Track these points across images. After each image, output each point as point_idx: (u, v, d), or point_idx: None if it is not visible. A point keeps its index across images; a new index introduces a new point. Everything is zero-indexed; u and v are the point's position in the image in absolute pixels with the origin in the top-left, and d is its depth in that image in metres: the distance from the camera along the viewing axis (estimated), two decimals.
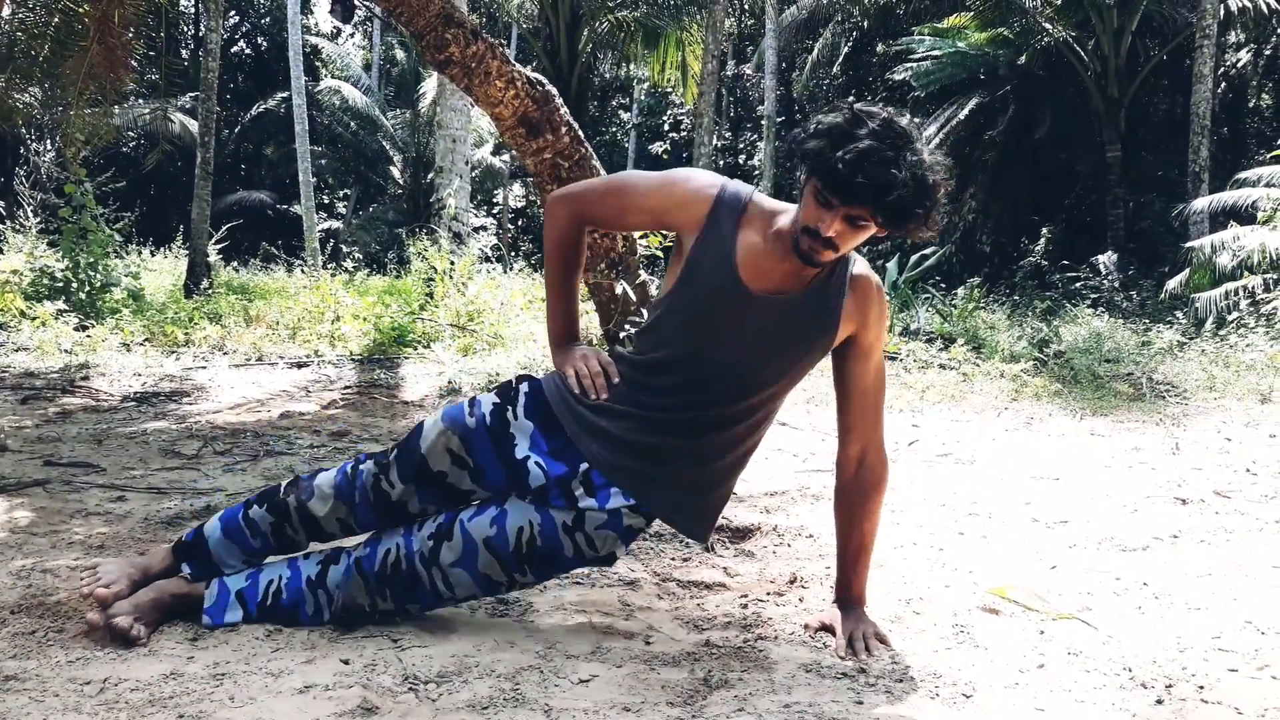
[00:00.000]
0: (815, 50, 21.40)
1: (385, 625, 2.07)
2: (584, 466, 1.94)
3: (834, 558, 2.22)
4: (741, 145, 25.56)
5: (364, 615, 2.04)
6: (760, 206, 1.98)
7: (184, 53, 26.08)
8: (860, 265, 2.05)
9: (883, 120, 1.79)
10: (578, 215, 2.11)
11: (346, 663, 1.87)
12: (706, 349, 1.95)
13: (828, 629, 2.12)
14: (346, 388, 5.68)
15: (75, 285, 8.26)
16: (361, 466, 2.08)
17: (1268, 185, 10.37)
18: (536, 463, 1.96)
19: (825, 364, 2.14)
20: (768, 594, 2.41)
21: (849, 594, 2.16)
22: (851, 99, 1.96)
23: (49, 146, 14.30)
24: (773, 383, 2.01)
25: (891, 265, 12.40)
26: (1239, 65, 18.51)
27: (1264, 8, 14.76)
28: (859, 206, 1.80)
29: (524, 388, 2.04)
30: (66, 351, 6.42)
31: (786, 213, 1.96)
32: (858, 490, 2.13)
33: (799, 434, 4.72)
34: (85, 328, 7.32)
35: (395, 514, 2.05)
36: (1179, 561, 2.75)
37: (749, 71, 25.09)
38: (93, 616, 1.93)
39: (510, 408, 2.01)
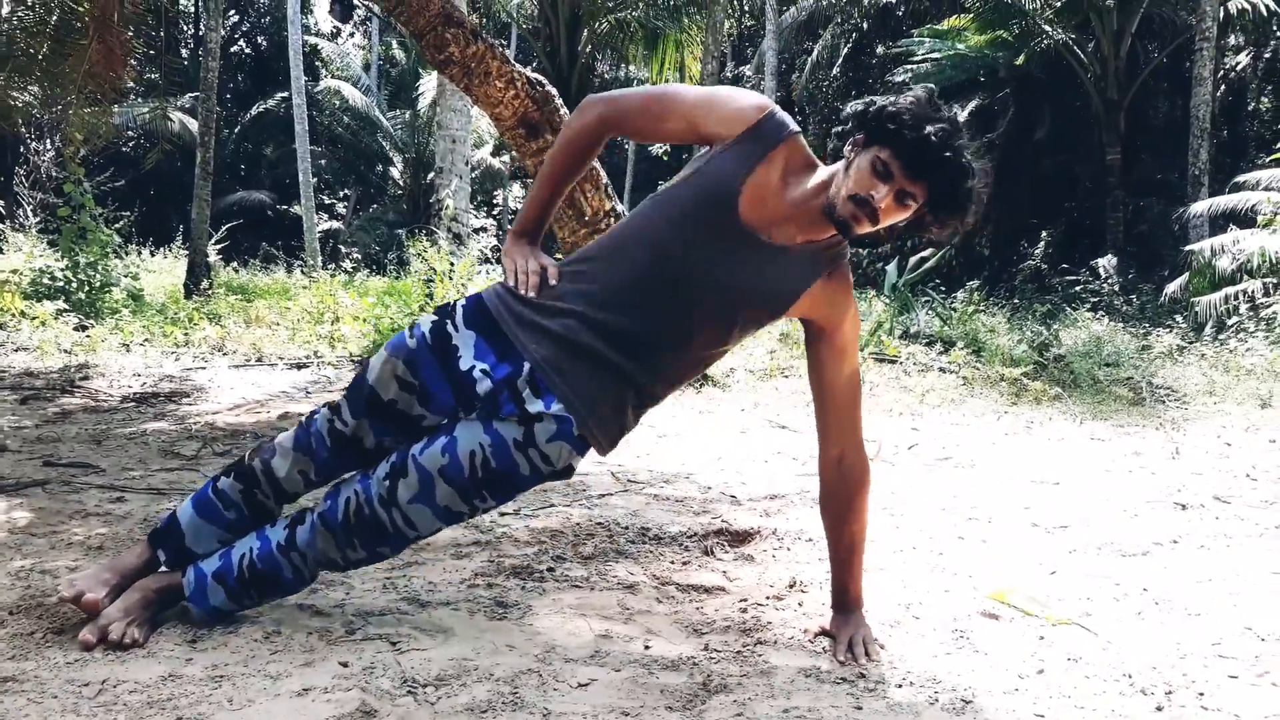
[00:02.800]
0: (815, 52, 21.38)
1: (384, 628, 2.07)
2: (527, 367, 1.90)
3: None
4: None
5: (339, 568, 2.04)
6: (797, 148, 1.94)
7: (184, 52, 26.05)
8: (845, 262, 2.05)
9: (954, 116, 1.88)
10: (609, 120, 2.03)
11: (345, 665, 1.86)
12: (674, 253, 1.91)
13: (827, 634, 2.12)
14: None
15: (74, 285, 8.24)
16: (315, 415, 2.08)
17: (1267, 189, 10.37)
18: (482, 370, 1.91)
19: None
20: (767, 598, 2.41)
21: (845, 597, 2.16)
22: (925, 89, 1.97)
23: (48, 146, 14.28)
24: (712, 325, 1.97)
25: (891, 268, 12.39)
26: (1238, 68, 18.50)
27: (1263, 10, 14.77)
28: (921, 182, 1.82)
29: (461, 301, 2.02)
30: (66, 351, 6.42)
31: (817, 170, 1.94)
32: (841, 492, 2.13)
33: (798, 437, 4.72)
34: (85, 328, 7.32)
35: (353, 453, 2.04)
36: (1179, 567, 2.75)
37: (749, 73, 25.07)
38: (86, 637, 1.91)
39: (449, 321, 1.98)
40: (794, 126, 1.95)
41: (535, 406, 1.88)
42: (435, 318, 2.00)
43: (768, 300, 2.00)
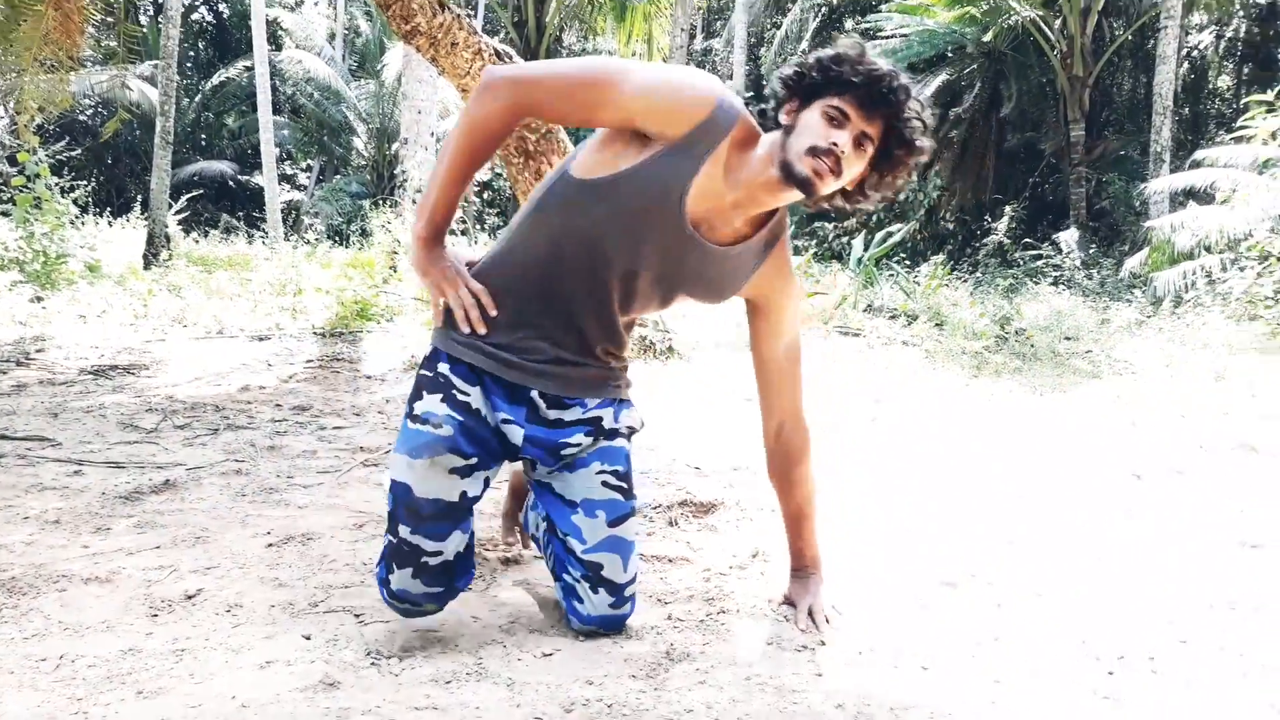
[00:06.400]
0: (784, 26, 21.34)
1: (347, 600, 2.06)
2: (535, 393, 1.95)
3: None
4: None
5: None
6: (744, 125, 1.86)
7: (143, 19, 25.53)
8: (784, 239, 2.03)
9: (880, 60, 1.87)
10: (522, 107, 1.85)
11: (308, 638, 1.86)
12: (617, 255, 1.86)
13: (789, 603, 2.15)
14: (308, 361, 5.63)
15: (30, 256, 8.08)
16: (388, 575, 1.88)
17: (1226, 166, 10.52)
18: (504, 419, 1.94)
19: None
20: (730, 568, 2.43)
21: (801, 562, 2.20)
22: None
23: (1, 113, 13.95)
24: (652, 306, 2.00)
25: (857, 242, 12.46)
26: (1201, 46, 18.71)
27: None
28: (878, 120, 1.79)
29: (441, 367, 1.92)
30: (21, 324, 6.31)
31: (760, 140, 1.87)
32: (783, 461, 2.17)
33: None
34: (40, 299, 7.19)
35: (451, 520, 1.86)
36: (1133, 536, 2.80)
37: (718, 46, 25.00)
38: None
39: (450, 391, 1.89)
40: (739, 105, 1.87)
41: (573, 414, 1.99)
42: (437, 396, 1.88)
43: (709, 292, 2.00)
